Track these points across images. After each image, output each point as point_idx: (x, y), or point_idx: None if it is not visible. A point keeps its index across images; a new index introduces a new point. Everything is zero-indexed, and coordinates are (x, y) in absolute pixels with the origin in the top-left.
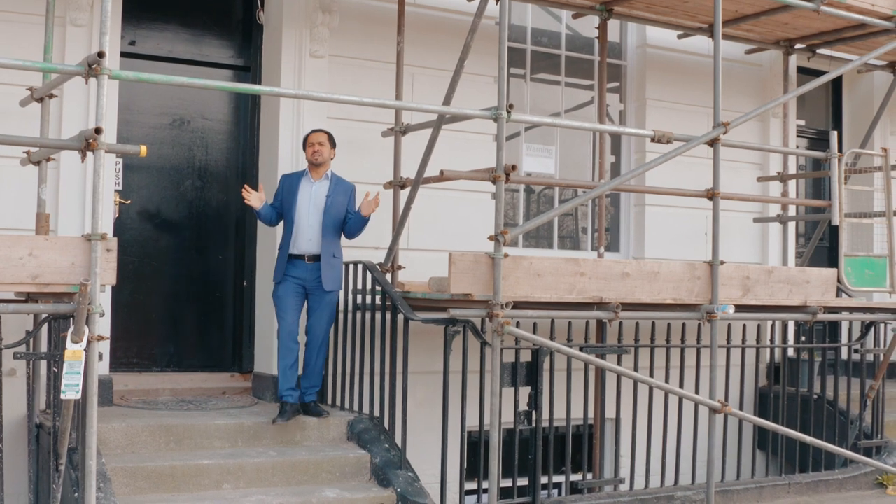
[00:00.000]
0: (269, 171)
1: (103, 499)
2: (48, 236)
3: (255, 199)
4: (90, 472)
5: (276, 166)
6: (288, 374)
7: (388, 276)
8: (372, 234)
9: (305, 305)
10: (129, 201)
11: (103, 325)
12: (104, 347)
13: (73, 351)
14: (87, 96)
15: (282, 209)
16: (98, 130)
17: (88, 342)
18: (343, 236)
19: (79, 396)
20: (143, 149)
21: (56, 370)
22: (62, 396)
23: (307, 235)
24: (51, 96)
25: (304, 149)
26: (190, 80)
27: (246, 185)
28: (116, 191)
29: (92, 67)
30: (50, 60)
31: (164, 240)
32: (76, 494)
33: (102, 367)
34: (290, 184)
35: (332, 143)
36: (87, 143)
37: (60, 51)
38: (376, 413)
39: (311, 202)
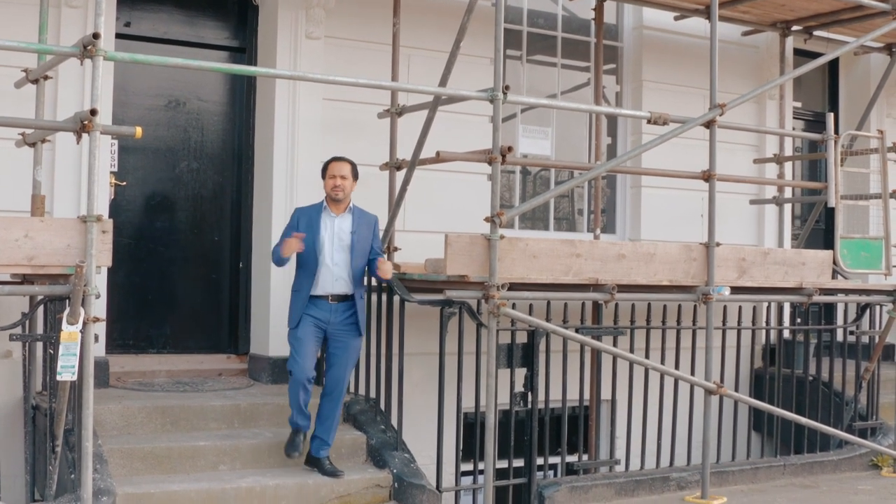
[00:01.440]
0: (265, 152)
1: (100, 480)
2: (44, 218)
3: (297, 245)
4: (86, 453)
5: (271, 148)
6: (302, 409)
7: (385, 257)
8: None
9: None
10: (124, 183)
11: (99, 307)
12: (100, 329)
13: (69, 333)
14: (82, 78)
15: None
16: (93, 112)
17: (84, 324)
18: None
19: (75, 378)
20: (139, 130)
21: (52, 352)
22: (58, 378)
23: (333, 275)
24: (46, 78)
25: (324, 178)
26: (185, 61)
27: (295, 234)
28: (112, 172)
29: (87, 49)
30: (45, 42)
31: (159, 221)
32: (73, 476)
33: (98, 349)
34: (309, 219)
35: (355, 175)
36: (82, 125)
37: (55, 32)
38: (372, 394)
39: (335, 239)
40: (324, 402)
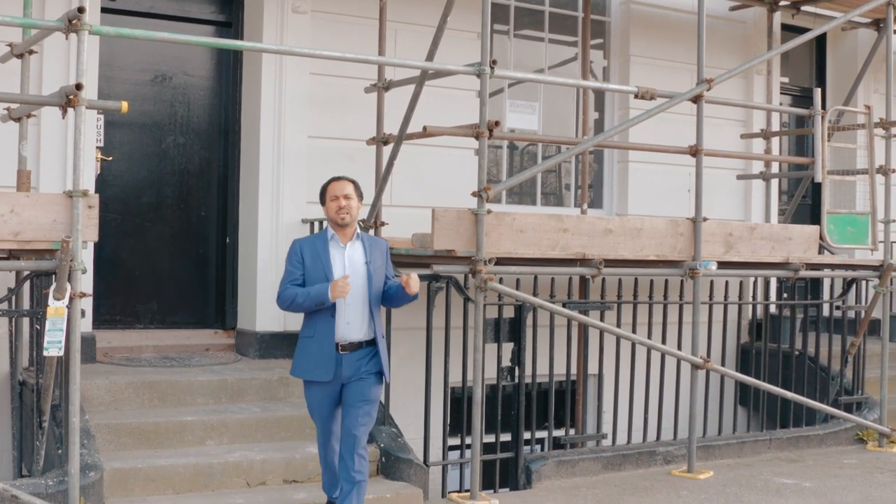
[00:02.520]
0: (252, 127)
1: (87, 455)
2: (29, 193)
3: (347, 286)
4: (74, 428)
5: (258, 122)
6: (333, 471)
7: (371, 233)
8: None
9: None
10: (110, 158)
11: (86, 282)
12: (87, 304)
13: (56, 308)
14: (67, 52)
15: (303, 285)
16: (79, 86)
17: (71, 299)
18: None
19: (62, 353)
20: (125, 105)
21: (39, 327)
22: (45, 353)
23: (350, 317)
24: (31, 52)
25: (323, 202)
26: (171, 35)
27: (343, 277)
28: (98, 147)
29: (72, 23)
30: (30, 16)
31: (146, 196)
32: (60, 451)
33: (85, 324)
34: (314, 251)
35: (360, 194)
36: (67, 100)
37: (40, 6)
38: None
39: (348, 272)
40: (340, 468)
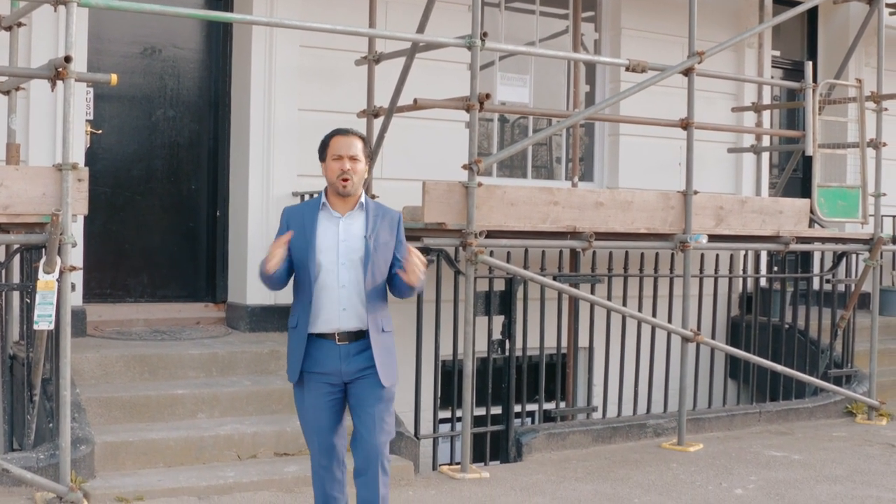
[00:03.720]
0: (242, 99)
1: (78, 429)
2: (18, 166)
3: (278, 258)
4: (65, 402)
5: (248, 95)
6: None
7: None
8: None
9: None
10: (100, 131)
11: (76, 256)
12: (77, 278)
13: (46, 281)
14: (56, 25)
15: (291, 262)
16: (68, 59)
17: (61, 272)
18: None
19: (52, 327)
20: (114, 77)
21: (29, 301)
22: (35, 327)
23: (338, 302)
24: (19, 25)
25: (322, 159)
26: (160, 7)
27: (279, 238)
28: (87, 120)
29: None
30: None
31: (136, 169)
32: (51, 425)
33: (75, 298)
34: (301, 221)
35: (369, 154)
36: (56, 72)
37: None
38: None
39: (340, 249)
40: (359, 487)
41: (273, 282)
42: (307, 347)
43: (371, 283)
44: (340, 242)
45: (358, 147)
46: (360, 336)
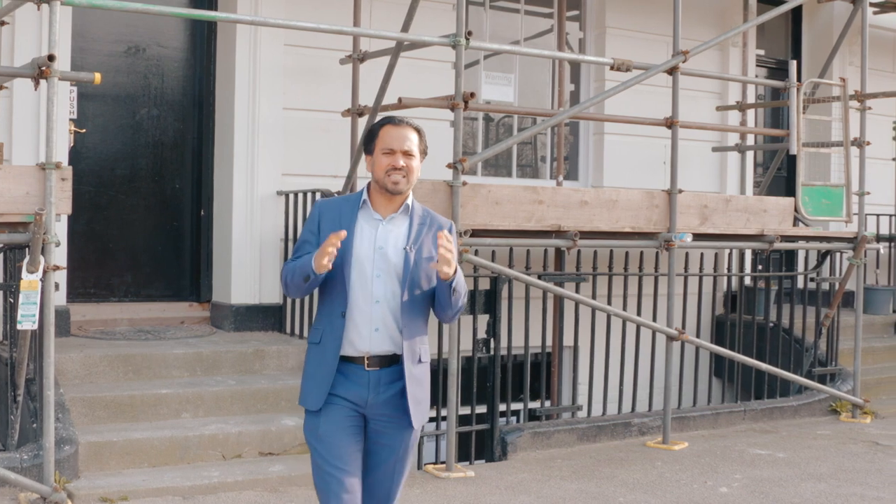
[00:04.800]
0: (226, 98)
1: (62, 429)
2: (2, 165)
3: (331, 257)
4: (48, 402)
5: (232, 94)
6: None
7: None
8: (330, 162)
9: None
10: (84, 130)
11: (59, 255)
12: (61, 277)
13: (29, 281)
14: (39, 23)
15: None
16: (51, 58)
17: (44, 272)
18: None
19: (35, 327)
20: (98, 76)
21: (12, 301)
22: (19, 327)
23: (370, 321)
24: (2, 24)
25: (369, 151)
26: (144, 6)
27: (333, 235)
28: (71, 119)
29: None
30: None
31: (120, 168)
32: (34, 425)
33: (59, 298)
34: (337, 217)
35: (425, 150)
36: (39, 71)
37: None
38: None
39: (374, 258)
40: None
41: (307, 287)
42: (336, 372)
43: (409, 301)
44: (376, 250)
45: (413, 141)
46: (393, 362)
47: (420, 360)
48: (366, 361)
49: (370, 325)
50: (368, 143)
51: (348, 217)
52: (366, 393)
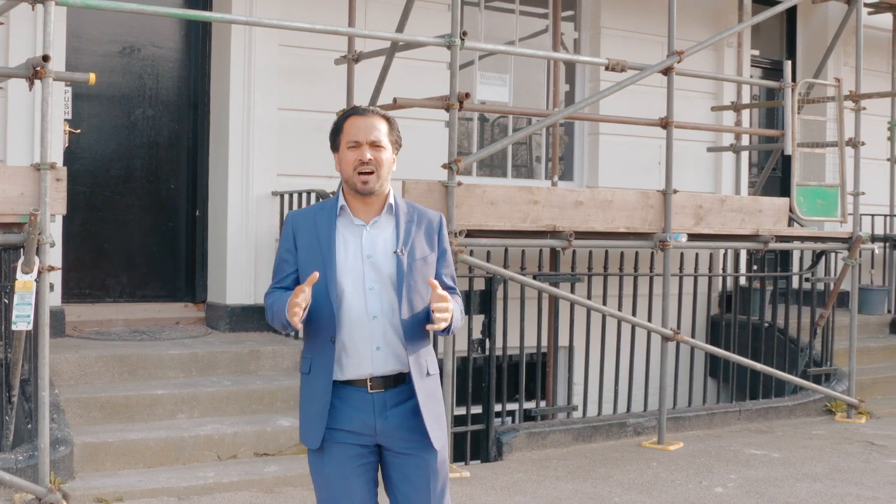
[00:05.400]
0: (221, 99)
1: (57, 430)
2: None
3: (303, 307)
4: (43, 403)
5: (227, 94)
6: None
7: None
8: (325, 163)
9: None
10: (78, 130)
11: (54, 256)
12: (55, 278)
13: (24, 282)
14: (34, 24)
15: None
16: (46, 58)
17: (39, 273)
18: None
19: (30, 327)
20: (92, 76)
21: (7, 301)
22: (13, 328)
23: (370, 339)
24: None
25: (335, 148)
26: (139, 6)
27: (298, 291)
28: (66, 120)
29: None
30: None
31: (115, 169)
32: (30, 426)
33: (54, 298)
34: (314, 232)
35: (396, 142)
36: (34, 71)
37: None
38: None
39: (364, 269)
40: None
41: (290, 332)
42: (333, 401)
43: (409, 311)
44: (365, 259)
45: (381, 130)
46: (400, 381)
47: (428, 374)
48: (369, 384)
49: (370, 345)
50: (333, 138)
51: (326, 228)
52: (372, 419)
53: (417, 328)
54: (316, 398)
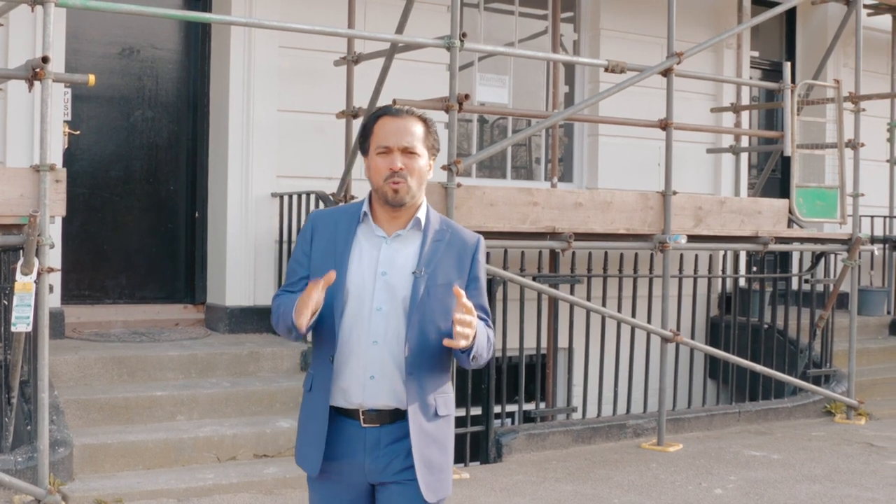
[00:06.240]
0: (221, 100)
1: (56, 431)
2: None
3: (312, 309)
4: (42, 404)
5: (227, 96)
6: None
7: None
8: (324, 164)
9: None
10: (78, 132)
11: (54, 257)
12: (55, 279)
13: (24, 283)
14: (33, 25)
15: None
16: (45, 59)
17: (39, 274)
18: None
19: (30, 329)
20: (92, 78)
21: (6, 303)
22: (13, 329)
23: (365, 367)
24: None
25: (364, 151)
26: (138, 8)
27: (313, 282)
28: (65, 121)
29: None
30: None
31: (114, 170)
32: (29, 427)
33: (54, 300)
34: (332, 236)
35: (432, 146)
36: (34, 73)
37: None
38: None
39: (375, 287)
40: None
41: (296, 337)
42: (329, 429)
43: (417, 341)
44: (379, 276)
45: (415, 134)
46: (399, 417)
47: (436, 414)
48: (361, 417)
49: (365, 372)
50: (363, 141)
51: (345, 233)
52: (361, 455)
53: (430, 362)
54: (315, 419)
